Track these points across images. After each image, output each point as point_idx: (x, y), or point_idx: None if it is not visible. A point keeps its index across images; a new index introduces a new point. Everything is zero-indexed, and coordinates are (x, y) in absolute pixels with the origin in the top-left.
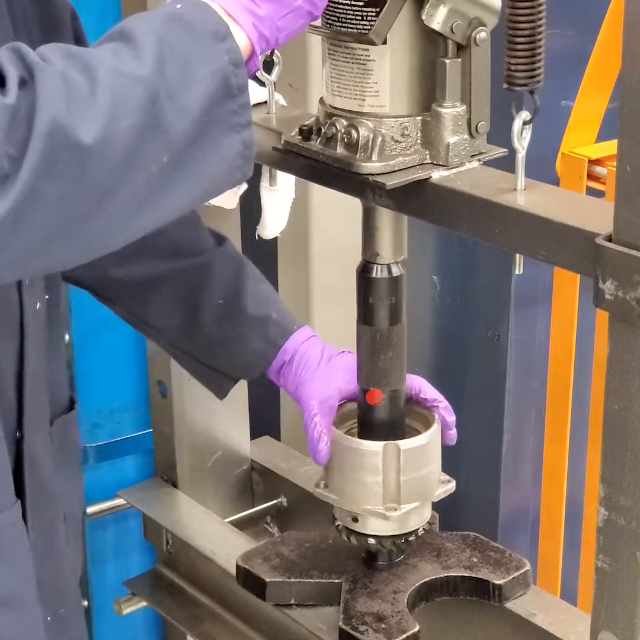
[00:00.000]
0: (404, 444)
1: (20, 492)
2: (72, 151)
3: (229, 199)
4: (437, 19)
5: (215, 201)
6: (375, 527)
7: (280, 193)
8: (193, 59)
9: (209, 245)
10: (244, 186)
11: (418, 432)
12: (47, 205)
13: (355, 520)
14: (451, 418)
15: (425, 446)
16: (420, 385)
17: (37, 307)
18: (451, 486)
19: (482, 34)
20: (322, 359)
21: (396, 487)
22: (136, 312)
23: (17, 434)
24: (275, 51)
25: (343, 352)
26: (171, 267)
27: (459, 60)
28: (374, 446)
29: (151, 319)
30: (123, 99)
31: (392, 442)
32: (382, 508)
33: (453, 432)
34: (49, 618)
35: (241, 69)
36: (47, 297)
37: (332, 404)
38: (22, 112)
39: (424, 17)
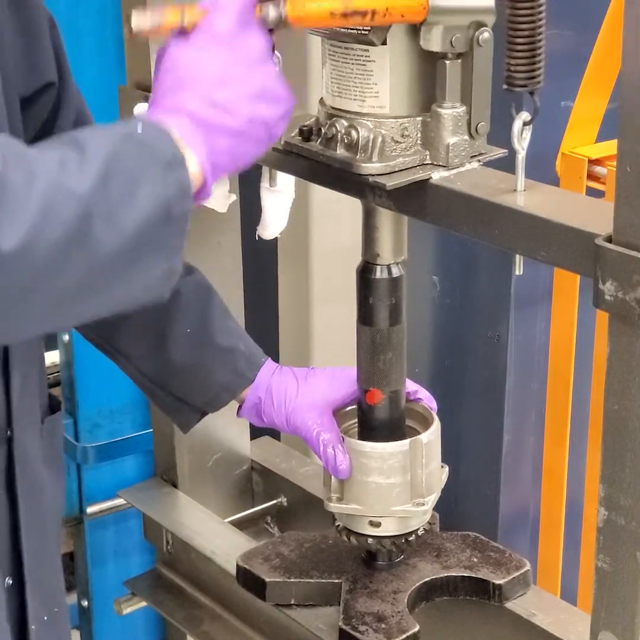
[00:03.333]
0: (425, 437)
1: (11, 490)
2: None
3: (221, 203)
4: (435, 41)
5: (207, 203)
6: (390, 528)
7: (280, 193)
8: (140, 181)
9: None
10: (234, 196)
11: (413, 429)
12: None
13: (377, 525)
14: (434, 405)
15: (436, 438)
16: None
17: None
18: (447, 470)
19: (485, 35)
20: (298, 382)
21: (421, 481)
22: (105, 338)
23: (8, 432)
24: (275, 51)
25: (312, 368)
26: None
27: (459, 61)
28: (401, 446)
29: (120, 346)
30: (54, 213)
31: (416, 437)
32: (411, 505)
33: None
34: (45, 617)
35: (187, 200)
36: None
37: (330, 418)
38: None
39: (422, 44)
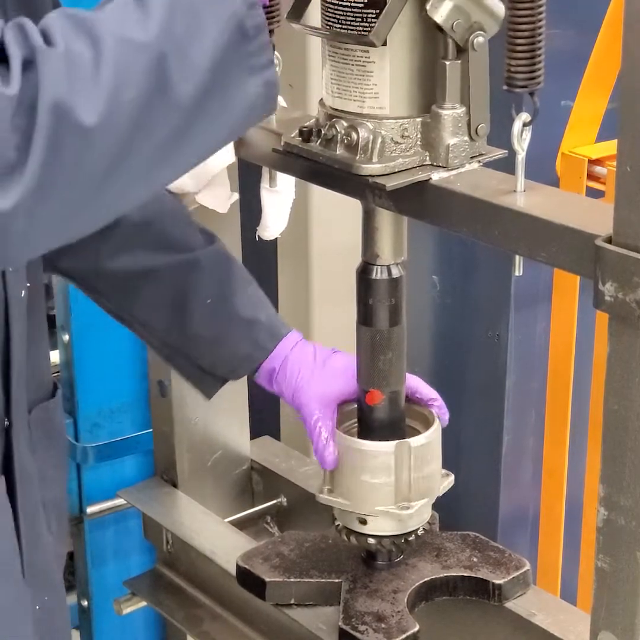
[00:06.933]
0: (414, 441)
1: (9, 479)
2: (76, 134)
3: (222, 204)
4: (441, 13)
5: (208, 204)
6: (376, 527)
7: (280, 194)
8: (204, 9)
9: (199, 243)
10: (236, 195)
11: (417, 431)
12: (58, 188)
13: (363, 522)
14: (446, 416)
15: (431, 443)
16: (416, 384)
17: (23, 295)
18: (451, 479)
19: (480, 39)
20: (315, 362)
21: (408, 485)
22: (125, 307)
23: (6, 422)
24: (275, 52)
25: (335, 351)
26: (161, 262)
27: (459, 62)
28: (386, 446)
29: (140, 314)
30: (127, 70)
31: (403, 440)
32: (395, 507)
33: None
34: (37, 607)
35: (257, 9)
36: (28, 284)
37: (333, 408)
38: (25, 100)
39: (428, 8)
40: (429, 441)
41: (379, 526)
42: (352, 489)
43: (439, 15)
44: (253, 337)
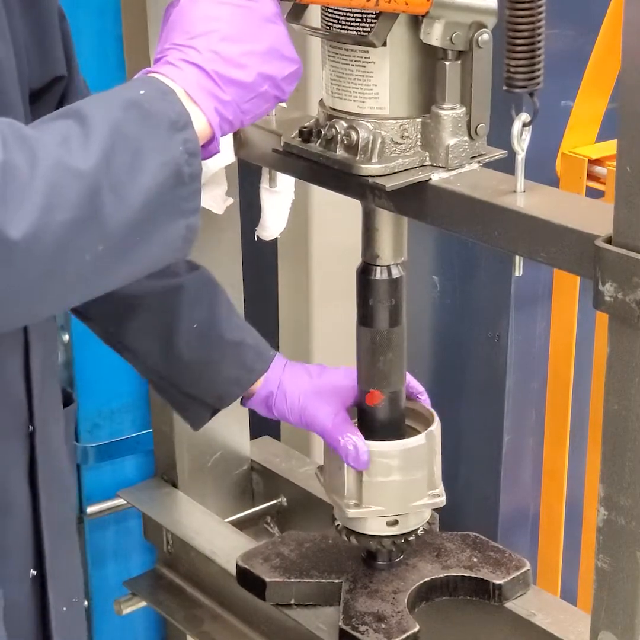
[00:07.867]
0: (436, 429)
1: (33, 485)
2: (1, 245)
3: (218, 205)
4: (435, 35)
5: (205, 204)
6: (408, 524)
7: (280, 194)
8: (145, 149)
9: (183, 268)
10: (231, 200)
11: (414, 430)
12: None
13: (394, 523)
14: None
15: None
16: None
17: None
18: (438, 501)
19: (485, 36)
20: (311, 377)
21: (435, 472)
22: (113, 333)
23: (30, 427)
24: None
25: (322, 366)
26: (146, 288)
27: (459, 62)
28: (418, 441)
29: (127, 342)
30: (60, 194)
31: (428, 430)
32: (428, 498)
33: None
34: (64, 608)
35: (196, 158)
36: None
37: (345, 413)
38: None
39: (422, 37)
40: (438, 430)
41: (411, 522)
42: (384, 493)
43: (434, 39)
44: (241, 359)
